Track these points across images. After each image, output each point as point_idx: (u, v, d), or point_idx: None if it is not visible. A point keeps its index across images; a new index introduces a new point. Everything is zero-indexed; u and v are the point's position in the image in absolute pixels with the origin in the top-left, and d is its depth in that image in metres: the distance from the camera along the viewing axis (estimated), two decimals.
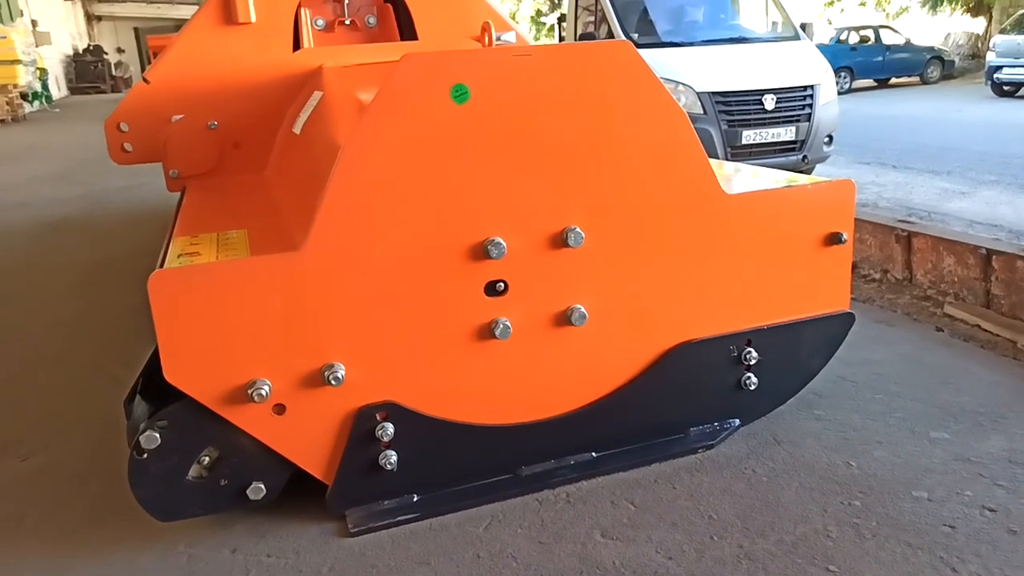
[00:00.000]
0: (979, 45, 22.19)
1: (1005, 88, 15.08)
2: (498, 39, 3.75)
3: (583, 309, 2.10)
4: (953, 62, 20.93)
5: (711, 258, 2.22)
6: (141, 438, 1.85)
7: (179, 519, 1.99)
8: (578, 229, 2.04)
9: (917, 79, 20.03)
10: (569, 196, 2.04)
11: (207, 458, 1.94)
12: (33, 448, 2.55)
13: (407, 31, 3.97)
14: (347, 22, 3.97)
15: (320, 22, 3.90)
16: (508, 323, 2.04)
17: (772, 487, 2.14)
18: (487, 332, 2.04)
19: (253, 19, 3.47)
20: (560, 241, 2.05)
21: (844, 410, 2.54)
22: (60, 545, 2.04)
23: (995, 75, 15.13)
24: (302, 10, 3.70)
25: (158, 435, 1.85)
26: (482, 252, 1.98)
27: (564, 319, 2.10)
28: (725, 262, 2.24)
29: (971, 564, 1.79)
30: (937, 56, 20.40)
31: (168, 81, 3.52)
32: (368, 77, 2.87)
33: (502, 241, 1.98)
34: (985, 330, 3.13)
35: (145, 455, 1.86)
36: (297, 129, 3.09)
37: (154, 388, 1.95)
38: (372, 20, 4.04)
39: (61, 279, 4.55)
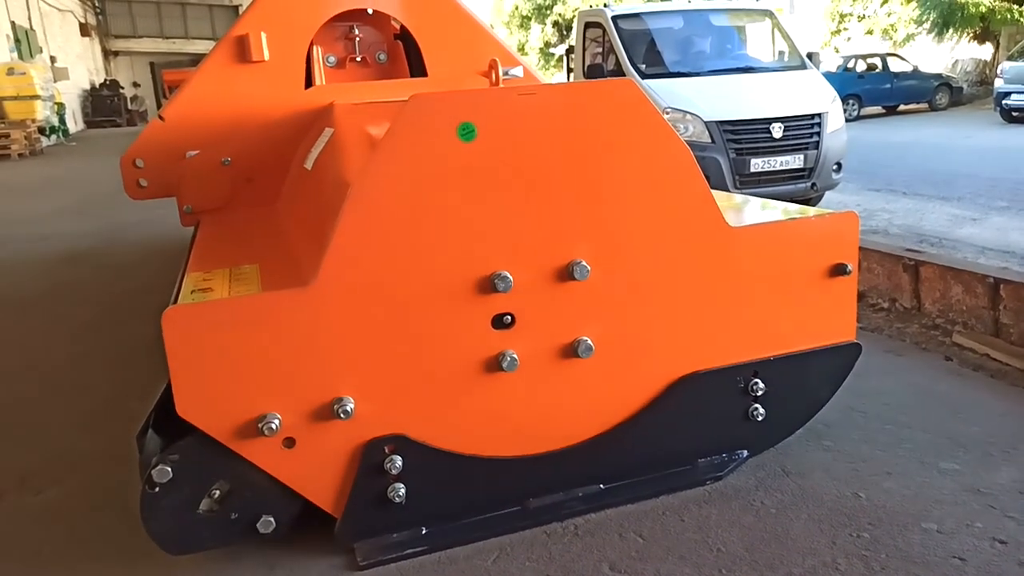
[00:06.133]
0: (987, 71, 22.25)
1: (1014, 114, 15.09)
2: (506, 74, 3.82)
3: (589, 341, 2.12)
4: (961, 88, 20.98)
5: (716, 290, 2.24)
6: (153, 472, 1.87)
7: (190, 552, 2.01)
8: (584, 262, 2.06)
9: (925, 106, 20.07)
10: (575, 230, 2.07)
11: (218, 491, 1.96)
12: (48, 482, 2.58)
13: (417, 67, 4.05)
14: (358, 59, 4.06)
15: (332, 59, 3.99)
16: (515, 356, 2.06)
17: (781, 519, 2.14)
18: (494, 365, 2.06)
19: (266, 57, 3.55)
20: (566, 274, 2.07)
21: (853, 441, 2.53)
22: None
23: (1004, 101, 15.16)
24: (314, 48, 3.79)
25: (170, 469, 1.88)
26: (489, 286, 2.01)
27: (571, 351, 2.12)
28: (730, 294, 2.26)
29: None
30: (945, 83, 20.46)
31: (183, 118, 3.60)
32: (378, 114, 2.92)
33: (508, 275, 2.00)
34: (994, 359, 3.12)
35: (157, 488, 1.89)
36: (308, 165, 3.15)
37: (167, 422, 1.97)
38: (383, 57, 4.13)
39: (77, 312, 4.61)
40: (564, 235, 2.06)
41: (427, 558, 2.05)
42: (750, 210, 2.71)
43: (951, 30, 22.75)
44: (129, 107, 28.98)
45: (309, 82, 3.69)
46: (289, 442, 1.94)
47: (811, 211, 2.52)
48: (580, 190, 2.06)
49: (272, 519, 2.00)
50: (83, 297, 4.93)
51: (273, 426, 1.88)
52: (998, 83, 15.51)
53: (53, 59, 23.27)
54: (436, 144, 1.92)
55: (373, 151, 1.96)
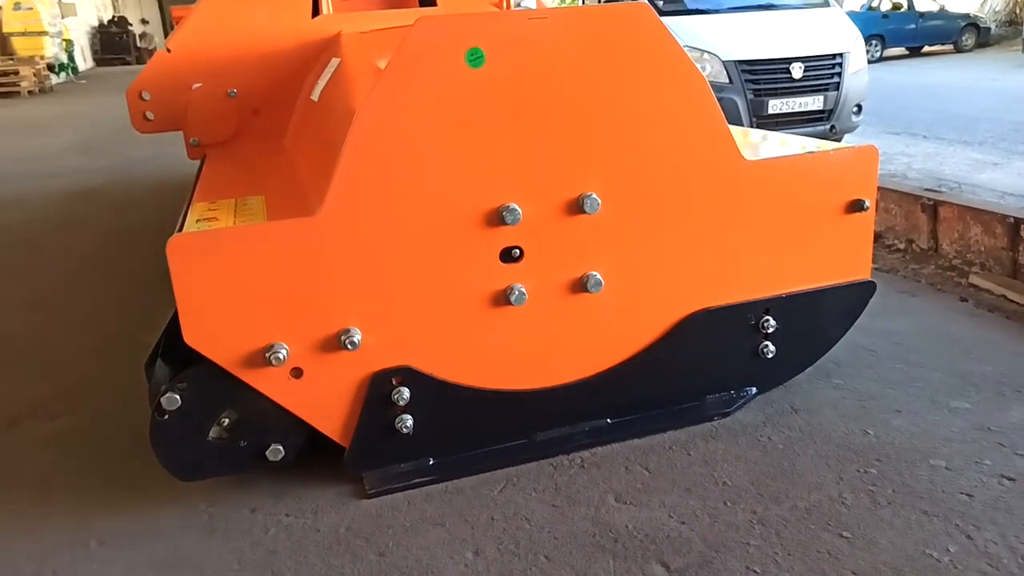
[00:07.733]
0: (1017, 11, 21.50)
1: None
2: (518, 5, 3.71)
3: (599, 276, 2.09)
4: (989, 29, 20.30)
5: (729, 225, 2.20)
6: (162, 400, 1.88)
7: (200, 479, 2.04)
8: (594, 195, 2.02)
9: (951, 47, 19.49)
10: (585, 162, 2.02)
11: (227, 419, 1.97)
12: (61, 410, 2.61)
13: None
14: None
15: None
16: (523, 289, 2.04)
17: (787, 454, 2.14)
18: (502, 298, 2.04)
19: None
20: (576, 207, 2.03)
21: (863, 379, 2.52)
22: (86, 503, 2.09)
23: None
24: None
25: (178, 397, 1.89)
26: (497, 218, 1.97)
27: (580, 286, 2.10)
28: (744, 229, 2.22)
29: (987, 531, 1.78)
30: (972, 23, 19.79)
31: (188, 49, 3.53)
32: (386, 43, 2.85)
33: (517, 207, 1.97)
34: (1011, 300, 3.08)
35: (166, 416, 1.90)
36: (315, 96, 3.09)
37: (175, 351, 1.98)
38: None
39: (87, 246, 4.62)
40: (575, 166, 2.02)
41: (434, 488, 2.07)
42: (767, 145, 2.65)
43: None
44: (138, 44, 28.58)
45: (316, 11, 3.59)
46: (297, 372, 1.95)
47: (829, 145, 2.45)
48: (592, 119, 2.00)
49: (280, 447, 2.02)
50: (92, 231, 4.94)
51: (280, 356, 1.88)
52: None
53: None
54: (443, 69, 1.87)
55: (378, 77, 1.91)
